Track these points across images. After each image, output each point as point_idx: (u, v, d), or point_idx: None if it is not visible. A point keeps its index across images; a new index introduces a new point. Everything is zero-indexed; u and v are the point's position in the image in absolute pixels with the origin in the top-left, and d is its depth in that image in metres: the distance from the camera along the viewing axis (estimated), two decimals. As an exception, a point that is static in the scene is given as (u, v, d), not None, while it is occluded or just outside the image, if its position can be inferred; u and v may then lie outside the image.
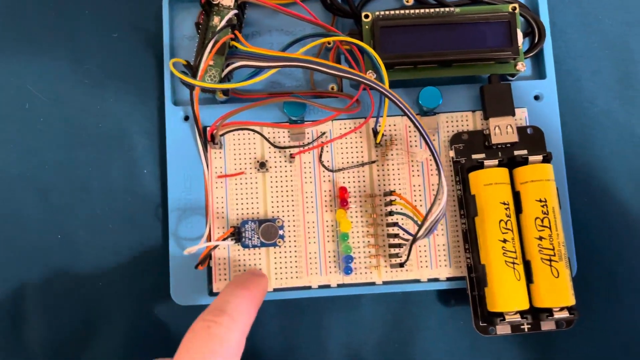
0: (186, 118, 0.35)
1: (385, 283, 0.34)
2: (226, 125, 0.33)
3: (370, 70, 0.34)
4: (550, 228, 0.31)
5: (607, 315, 0.35)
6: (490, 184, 0.32)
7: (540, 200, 0.31)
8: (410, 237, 0.31)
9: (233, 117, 0.33)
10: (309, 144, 0.34)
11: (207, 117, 0.34)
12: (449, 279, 0.34)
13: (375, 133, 0.33)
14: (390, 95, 0.30)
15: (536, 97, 0.35)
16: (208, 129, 0.33)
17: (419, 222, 0.30)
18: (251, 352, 0.34)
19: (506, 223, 0.31)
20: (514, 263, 0.31)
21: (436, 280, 0.34)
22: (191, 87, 0.32)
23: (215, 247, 0.32)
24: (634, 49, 0.37)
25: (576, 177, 0.35)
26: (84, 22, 0.37)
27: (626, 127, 0.36)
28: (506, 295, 0.31)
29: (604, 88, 0.37)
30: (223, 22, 0.33)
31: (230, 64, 0.32)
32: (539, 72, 0.36)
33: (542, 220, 0.31)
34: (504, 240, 0.31)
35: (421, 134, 0.29)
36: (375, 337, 0.35)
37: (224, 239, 0.32)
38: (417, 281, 0.34)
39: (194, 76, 0.32)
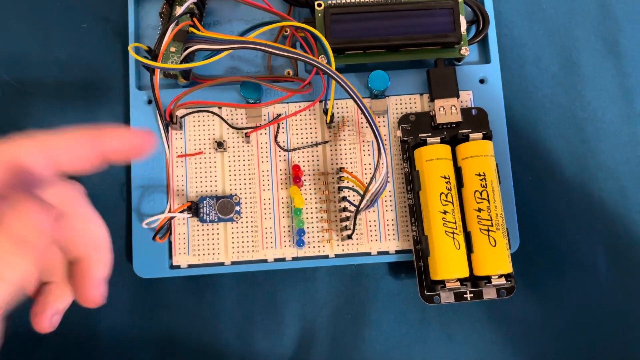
0: (149, 102, 0.37)
1: (337, 256, 0.36)
2: (184, 105, 0.35)
3: (322, 55, 0.36)
4: (488, 200, 0.33)
5: (548, 287, 0.36)
6: (432, 159, 0.34)
7: (479, 175, 0.33)
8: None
9: (193, 98, 0.35)
10: (265, 124, 0.36)
11: (169, 100, 0.36)
12: (397, 252, 0.36)
13: (325, 113, 0.35)
14: (334, 76, 0.32)
15: (481, 81, 0.37)
16: (167, 108, 0.35)
17: (364, 195, 0.32)
18: (209, 323, 0.36)
19: (446, 196, 0.33)
20: (453, 233, 0.33)
21: (386, 253, 0.36)
22: (151, 69, 0.34)
23: (172, 218, 0.34)
24: (577, 36, 0.39)
25: (520, 156, 0.37)
26: (55, 13, 0.39)
27: (568, 110, 0.38)
28: (446, 263, 0.33)
29: (548, 73, 0.39)
30: (182, 10, 0.35)
31: (188, 47, 0.34)
32: (484, 57, 0.38)
33: (480, 193, 0.33)
34: (444, 212, 0.33)
35: (362, 110, 0.31)
36: (329, 309, 0.36)
37: (180, 212, 0.34)
38: (368, 254, 0.36)
39: (155, 60, 0.34)
